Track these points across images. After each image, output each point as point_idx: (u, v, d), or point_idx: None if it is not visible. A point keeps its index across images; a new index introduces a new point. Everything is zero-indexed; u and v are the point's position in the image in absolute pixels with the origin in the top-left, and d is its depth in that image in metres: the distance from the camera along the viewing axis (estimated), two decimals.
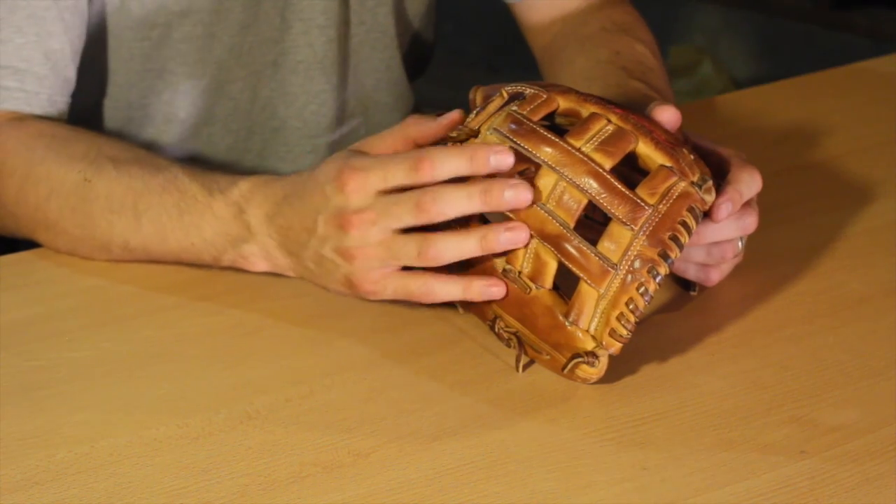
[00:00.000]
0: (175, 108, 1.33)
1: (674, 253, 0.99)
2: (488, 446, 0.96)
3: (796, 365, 1.06)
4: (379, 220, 1.00)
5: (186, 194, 1.10)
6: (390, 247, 1.01)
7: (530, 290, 1.00)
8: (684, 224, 1.00)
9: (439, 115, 1.04)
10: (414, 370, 1.04)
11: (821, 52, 3.26)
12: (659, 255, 0.99)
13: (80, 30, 1.24)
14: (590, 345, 0.99)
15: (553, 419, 0.99)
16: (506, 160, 0.98)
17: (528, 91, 1.03)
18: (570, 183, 0.99)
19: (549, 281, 1.00)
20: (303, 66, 1.35)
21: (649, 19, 1.40)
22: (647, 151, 1.01)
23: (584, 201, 0.99)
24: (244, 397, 1.00)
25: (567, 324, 0.99)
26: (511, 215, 0.99)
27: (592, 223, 1.02)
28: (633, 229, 0.98)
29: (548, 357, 1.01)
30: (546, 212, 0.99)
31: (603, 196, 0.98)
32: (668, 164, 1.00)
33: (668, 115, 1.06)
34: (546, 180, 0.99)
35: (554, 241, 0.99)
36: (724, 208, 1.05)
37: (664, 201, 0.99)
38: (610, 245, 0.98)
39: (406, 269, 1.02)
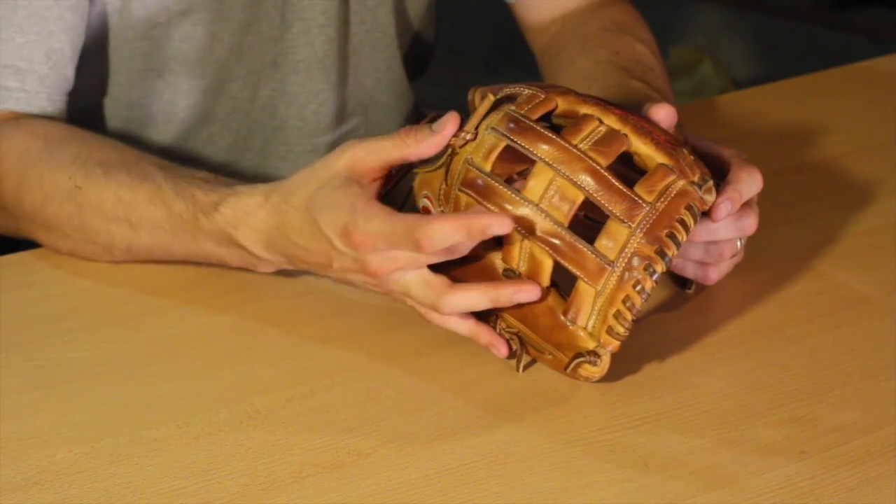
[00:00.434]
0: (175, 108, 1.33)
1: (671, 251, 0.99)
2: (488, 446, 0.96)
3: (796, 365, 1.06)
4: (407, 265, 1.00)
5: (172, 211, 1.10)
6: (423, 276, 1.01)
7: None
8: (682, 222, 0.99)
9: (437, 115, 1.04)
10: (414, 370, 1.04)
11: (821, 52, 3.26)
12: (656, 252, 0.98)
13: (80, 29, 1.24)
14: (592, 344, 0.99)
15: (553, 419, 0.99)
16: (501, 229, 0.97)
17: (526, 91, 1.03)
18: (566, 180, 0.98)
19: (545, 279, 1.00)
20: (303, 65, 1.35)
21: (649, 19, 1.40)
22: (648, 152, 1.01)
23: (580, 198, 0.99)
24: (244, 397, 1.00)
25: (568, 323, 0.99)
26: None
27: (594, 224, 1.02)
28: (630, 226, 0.98)
29: (550, 357, 1.01)
30: (540, 210, 0.98)
31: (600, 193, 0.98)
32: (668, 163, 1.00)
33: (663, 114, 1.06)
34: (541, 178, 0.99)
35: (547, 240, 0.99)
36: (724, 208, 1.04)
37: (662, 199, 0.99)
38: (607, 242, 0.98)
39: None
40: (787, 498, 0.92)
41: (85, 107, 1.31)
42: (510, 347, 1.02)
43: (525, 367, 1.03)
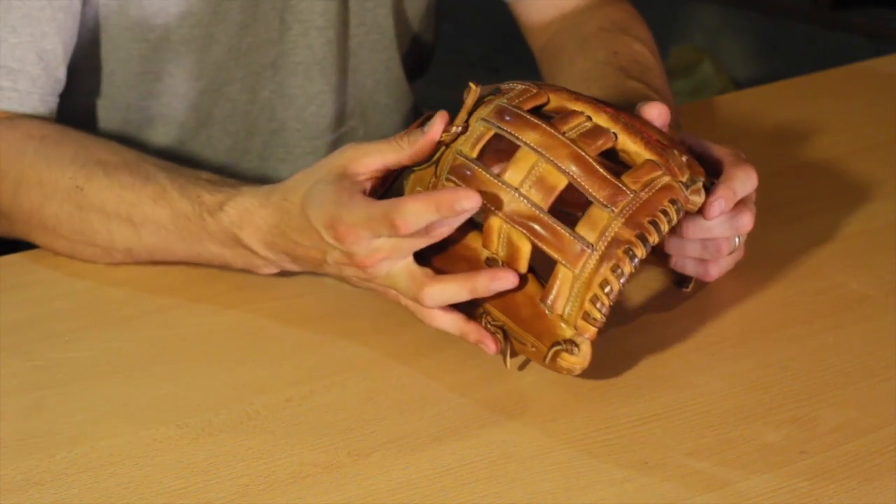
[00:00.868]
0: (173, 110, 1.33)
1: (652, 237, 0.98)
2: (488, 446, 0.96)
3: (796, 365, 1.06)
4: (392, 254, 1.01)
5: (177, 212, 1.10)
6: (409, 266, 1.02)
7: None
8: (665, 213, 0.99)
9: (430, 115, 1.04)
10: (414, 370, 1.04)
11: (821, 52, 3.26)
12: (637, 237, 0.98)
13: (73, 31, 1.24)
14: (569, 333, 0.98)
15: (553, 419, 0.99)
16: (469, 203, 0.97)
17: (519, 86, 1.03)
18: (551, 164, 0.98)
19: (523, 265, 0.99)
20: (302, 67, 1.35)
21: (649, 19, 1.40)
22: (637, 150, 1.01)
23: (563, 183, 0.98)
24: (244, 397, 1.01)
25: (547, 311, 0.99)
26: (484, 201, 0.98)
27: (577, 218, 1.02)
28: (612, 211, 0.98)
29: (533, 349, 1.00)
30: (519, 194, 0.98)
31: (583, 179, 0.98)
32: (657, 160, 1.00)
33: (656, 112, 1.06)
34: (523, 163, 0.99)
35: (525, 223, 0.98)
36: (717, 206, 1.04)
37: (646, 189, 0.99)
38: (587, 226, 0.98)
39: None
40: (787, 498, 0.92)
41: (83, 109, 1.31)
42: (499, 343, 1.02)
43: (519, 368, 1.03)
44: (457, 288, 1.00)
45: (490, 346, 1.02)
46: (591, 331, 0.98)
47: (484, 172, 0.99)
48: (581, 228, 0.98)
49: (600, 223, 0.98)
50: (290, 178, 1.06)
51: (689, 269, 1.12)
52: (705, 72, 3.28)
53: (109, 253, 1.15)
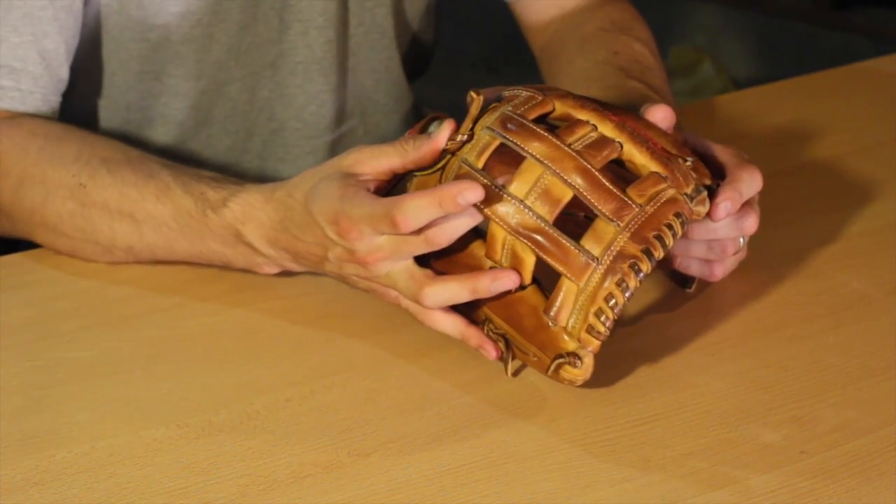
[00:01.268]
0: (173, 110, 1.33)
1: (658, 252, 0.98)
2: (488, 446, 0.96)
3: (796, 365, 1.06)
4: (392, 254, 1.01)
5: (180, 209, 1.11)
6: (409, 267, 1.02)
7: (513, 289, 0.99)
8: (670, 227, 0.99)
9: (435, 116, 1.04)
10: (414, 370, 1.04)
11: (821, 52, 3.26)
12: (642, 252, 0.98)
13: (75, 30, 1.24)
14: (572, 345, 0.98)
15: (553, 419, 0.99)
16: (472, 195, 0.96)
17: (524, 93, 1.03)
18: (555, 176, 0.98)
19: (527, 276, 0.99)
20: (301, 66, 1.35)
21: (649, 19, 1.40)
22: (643, 161, 1.01)
23: (568, 196, 0.98)
24: (244, 397, 1.01)
25: (551, 324, 0.99)
26: (488, 212, 0.98)
27: (579, 219, 1.02)
28: (618, 225, 0.98)
29: (535, 359, 1.00)
30: (524, 206, 0.98)
31: (589, 192, 0.98)
32: (662, 173, 1.00)
33: (661, 115, 1.06)
34: (528, 175, 0.99)
35: (530, 236, 0.98)
36: (723, 208, 1.04)
37: (652, 203, 0.99)
38: (593, 240, 0.98)
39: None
40: (787, 498, 0.92)
41: (83, 108, 1.31)
42: (499, 350, 1.02)
43: (515, 373, 1.03)
44: (458, 287, 1.00)
45: (490, 351, 1.02)
46: (595, 344, 0.98)
47: (487, 183, 0.99)
48: (586, 242, 0.98)
49: (606, 237, 0.98)
50: (295, 177, 1.07)
51: (694, 269, 1.12)
52: (705, 72, 3.28)
53: (111, 251, 1.15)
